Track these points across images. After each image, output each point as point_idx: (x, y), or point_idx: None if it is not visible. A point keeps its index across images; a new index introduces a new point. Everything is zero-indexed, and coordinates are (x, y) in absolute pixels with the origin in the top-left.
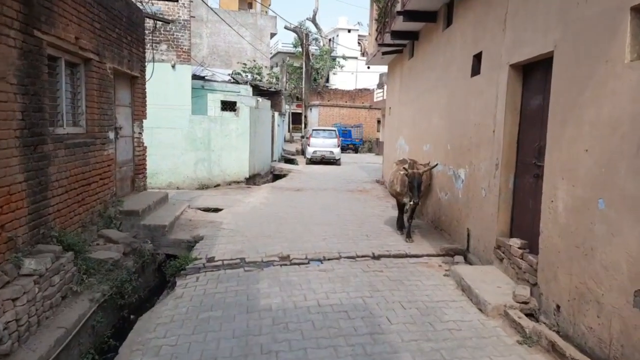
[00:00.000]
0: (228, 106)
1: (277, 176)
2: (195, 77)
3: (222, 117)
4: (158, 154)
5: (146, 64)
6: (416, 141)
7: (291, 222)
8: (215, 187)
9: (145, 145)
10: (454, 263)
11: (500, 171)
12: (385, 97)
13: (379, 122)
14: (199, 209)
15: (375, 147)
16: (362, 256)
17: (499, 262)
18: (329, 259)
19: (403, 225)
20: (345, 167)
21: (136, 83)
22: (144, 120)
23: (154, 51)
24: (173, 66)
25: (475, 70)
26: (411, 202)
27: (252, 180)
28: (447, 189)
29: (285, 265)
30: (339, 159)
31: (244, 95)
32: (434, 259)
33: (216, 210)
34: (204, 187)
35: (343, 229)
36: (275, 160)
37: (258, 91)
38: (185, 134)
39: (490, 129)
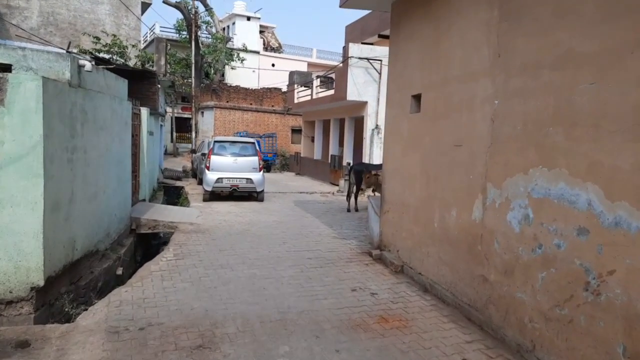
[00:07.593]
0: None
1: (143, 244)
2: None
3: None
4: None
5: None
6: None
7: None
8: None
9: None
10: None
11: None
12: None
13: (294, 131)
14: None
15: (295, 164)
16: None
17: None
18: None
19: None
20: (274, 205)
21: None
22: None
23: None
24: None
25: None
26: None
27: (67, 280)
28: None
29: None
30: (262, 190)
31: (36, 50)
32: None
33: None
34: None
35: None
36: (143, 200)
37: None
38: None
39: None
